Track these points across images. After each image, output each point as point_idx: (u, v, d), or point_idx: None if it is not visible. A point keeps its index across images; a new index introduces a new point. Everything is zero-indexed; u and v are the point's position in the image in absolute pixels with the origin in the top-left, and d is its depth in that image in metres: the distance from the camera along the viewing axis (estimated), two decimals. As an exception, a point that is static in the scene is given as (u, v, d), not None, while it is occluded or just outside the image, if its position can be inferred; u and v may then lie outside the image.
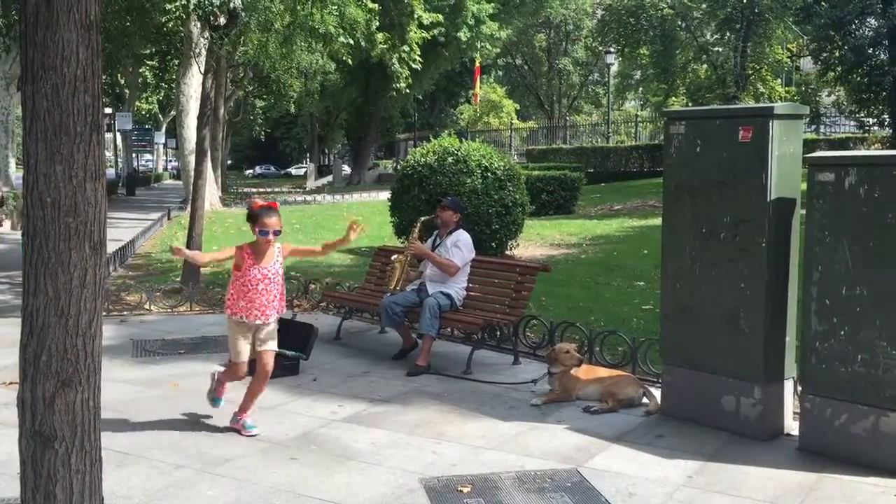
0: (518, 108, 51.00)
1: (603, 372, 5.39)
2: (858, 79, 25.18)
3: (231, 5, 10.06)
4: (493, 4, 33.17)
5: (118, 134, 41.04)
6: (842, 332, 4.10)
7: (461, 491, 3.83)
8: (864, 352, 4.04)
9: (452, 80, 45.43)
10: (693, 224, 4.68)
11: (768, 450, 4.33)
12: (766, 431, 4.48)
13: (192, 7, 10.32)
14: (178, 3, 10.61)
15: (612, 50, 36.81)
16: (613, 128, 34.61)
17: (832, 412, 4.18)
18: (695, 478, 3.99)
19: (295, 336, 5.84)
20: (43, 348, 2.66)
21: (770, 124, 4.35)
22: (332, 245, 4.97)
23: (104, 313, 3.38)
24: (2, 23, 12.40)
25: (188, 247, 9.88)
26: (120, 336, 7.17)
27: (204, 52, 11.33)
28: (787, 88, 38.25)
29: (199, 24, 16.03)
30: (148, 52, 24.20)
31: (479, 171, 10.02)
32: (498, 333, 6.48)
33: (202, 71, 10.96)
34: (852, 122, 29.69)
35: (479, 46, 33.72)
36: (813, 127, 30.91)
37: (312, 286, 8.90)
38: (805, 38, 30.38)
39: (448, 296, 6.21)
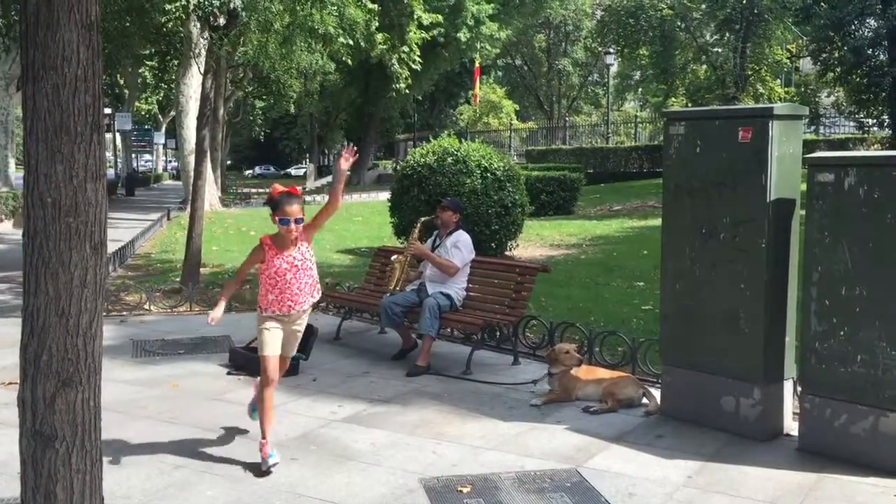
0: (517, 108, 50.96)
1: (603, 372, 5.39)
2: (858, 79, 25.19)
3: (231, 6, 10.07)
4: (492, 5, 33.20)
5: (118, 134, 41.03)
6: (841, 333, 4.11)
7: (461, 491, 3.83)
8: (863, 352, 4.04)
9: (452, 81, 45.47)
10: (693, 224, 4.68)
11: (768, 450, 4.33)
12: (765, 432, 4.48)
13: (191, 7, 10.33)
14: (177, 4, 10.62)
15: (611, 51, 36.85)
16: (613, 128, 34.60)
17: (832, 412, 4.18)
18: (694, 478, 3.99)
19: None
20: (43, 348, 2.67)
21: (770, 125, 4.35)
22: (335, 191, 4.46)
23: (104, 313, 3.38)
24: (2, 23, 12.39)
25: (188, 246, 9.90)
26: (120, 336, 7.17)
27: (204, 53, 11.36)
28: (786, 89, 38.30)
29: (198, 25, 16.04)
30: (147, 52, 24.17)
31: (478, 172, 10.01)
32: (498, 334, 6.47)
33: (202, 71, 10.98)
34: (852, 123, 29.64)
35: (478, 47, 33.78)
36: (812, 127, 30.88)
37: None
38: (804, 38, 30.35)
39: (448, 296, 6.21)
